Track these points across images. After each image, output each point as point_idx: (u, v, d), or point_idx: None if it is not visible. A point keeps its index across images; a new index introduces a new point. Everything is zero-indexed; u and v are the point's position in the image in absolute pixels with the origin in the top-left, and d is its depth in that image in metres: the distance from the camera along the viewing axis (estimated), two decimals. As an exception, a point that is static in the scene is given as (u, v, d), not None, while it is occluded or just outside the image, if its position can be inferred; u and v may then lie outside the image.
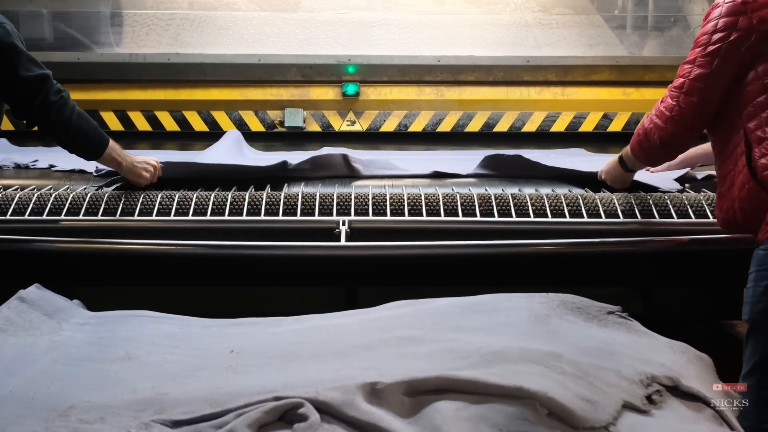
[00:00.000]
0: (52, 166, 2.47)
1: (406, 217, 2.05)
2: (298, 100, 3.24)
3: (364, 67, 3.20)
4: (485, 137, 3.31)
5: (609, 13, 3.64)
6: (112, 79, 3.21)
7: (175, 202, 2.06)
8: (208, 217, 2.02)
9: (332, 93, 3.24)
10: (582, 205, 2.08)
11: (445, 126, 3.30)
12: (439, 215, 2.08)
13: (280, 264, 2.03)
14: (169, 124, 3.27)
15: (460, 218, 2.06)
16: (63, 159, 2.49)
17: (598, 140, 3.29)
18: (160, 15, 3.40)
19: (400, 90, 3.26)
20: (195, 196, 2.08)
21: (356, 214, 2.07)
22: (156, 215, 2.03)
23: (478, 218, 2.06)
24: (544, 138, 3.32)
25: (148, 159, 2.19)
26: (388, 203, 2.09)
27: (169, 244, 1.88)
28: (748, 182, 1.70)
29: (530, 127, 3.32)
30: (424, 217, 2.05)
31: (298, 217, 2.04)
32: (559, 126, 3.33)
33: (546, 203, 2.09)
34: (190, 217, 2.02)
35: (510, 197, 2.11)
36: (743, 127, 1.74)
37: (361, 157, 2.44)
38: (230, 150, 2.68)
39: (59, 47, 3.23)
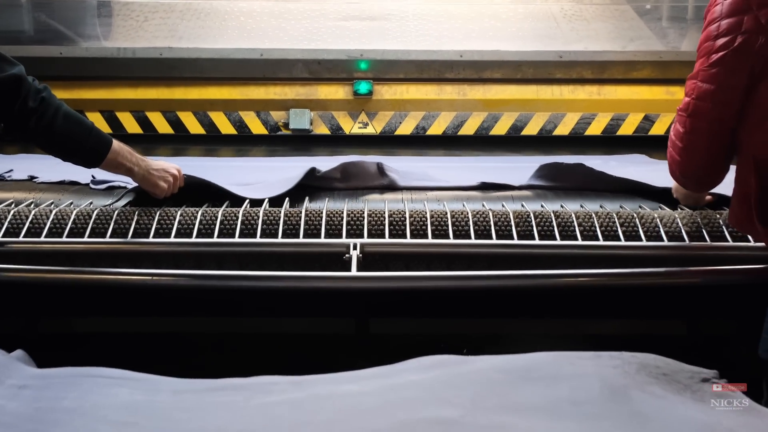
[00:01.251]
0: (32, 177, 2.14)
1: (429, 240, 1.72)
2: (304, 99, 2.93)
3: (377, 63, 2.90)
4: (512, 141, 2.99)
5: (649, 3, 3.29)
6: (99, 76, 2.93)
7: (155, 221, 1.73)
8: (192, 240, 1.69)
9: (342, 92, 2.93)
10: (660, 225, 1.74)
11: (468, 129, 2.98)
12: (468, 237, 1.73)
13: (278, 295, 1.70)
14: (162, 126, 2.97)
15: (494, 242, 1.72)
16: (48, 169, 2.17)
17: (639, 145, 2.96)
18: (151, 5, 3.09)
19: (418, 89, 2.95)
20: (178, 213, 1.76)
21: (370, 235, 1.73)
22: (132, 236, 1.70)
23: (515, 242, 1.72)
24: (578, 142, 3.00)
25: (167, 166, 1.84)
26: (407, 222, 1.76)
27: (143, 274, 1.56)
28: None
29: (563, 129, 2.99)
30: (450, 240, 1.72)
31: (301, 240, 1.71)
32: (594, 129, 3.00)
33: (617, 222, 1.75)
34: (171, 240, 1.69)
35: (573, 215, 1.79)
36: (753, 155, 1.46)
37: (396, 166, 2.12)
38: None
39: (40, 40, 2.93)
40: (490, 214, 1.78)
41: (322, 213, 1.77)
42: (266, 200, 1.86)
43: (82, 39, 2.97)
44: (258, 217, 1.75)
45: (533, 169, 2.12)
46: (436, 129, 2.98)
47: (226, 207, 1.81)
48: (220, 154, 2.93)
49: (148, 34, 2.95)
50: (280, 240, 1.71)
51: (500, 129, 2.98)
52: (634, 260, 1.73)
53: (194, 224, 1.73)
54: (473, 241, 1.72)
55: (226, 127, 2.96)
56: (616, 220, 1.77)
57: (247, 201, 1.85)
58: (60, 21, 2.95)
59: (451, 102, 2.96)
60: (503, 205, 1.87)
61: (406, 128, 2.97)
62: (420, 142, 2.98)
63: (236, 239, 1.70)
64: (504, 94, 2.96)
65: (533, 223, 1.77)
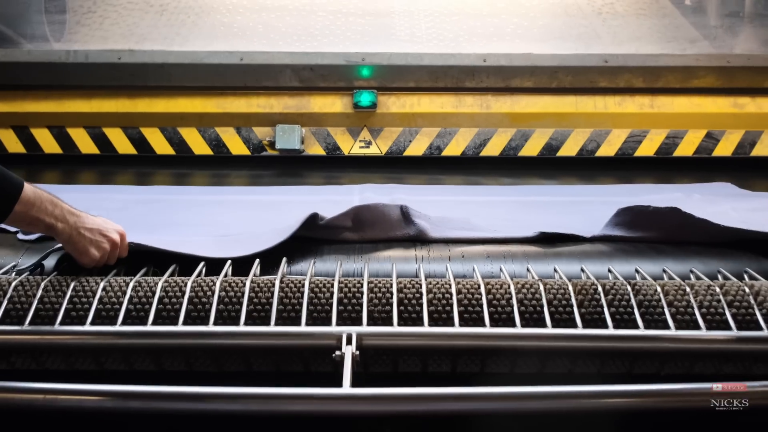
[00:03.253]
0: None
1: (456, 329, 1.20)
2: (294, 113, 2.47)
3: (382, 69, 2.43)
4: (546, 164, 2.49)
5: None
6: (46, 84, 2.47)
7: (66, 299, 1.21)
8: (115, 329, 1.17)
9: (340, 104, 2.45)
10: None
11: (492, 149, 2.49)
12: (511, 321, 1.22)
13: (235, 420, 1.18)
14: (122, 145, 2.49)
15: (549, 331, 1.20)
16: None
17: (700, 168, 2.47)
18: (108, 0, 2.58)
19: (432, 100, 2.47)
20: (100, 287, 1.24)
21: (372, 319, 1.22)
22: (31, 322, 1.18)
23: (579, 331, 1.20)
24: (626, 165, 2.50)
25: (106, 228, 1.32)
26: (425, 300, 1.24)
27: (26, 390, 1.04)
28: None
29: (607, 150, 2.49)
30: (486, 330, 1.20)
31: (271, 328, 1.19)
32: (646, 149, 2.50)
33: (723, 300, 1.24)
34: (86, 328, 1.17)
35: (659, 289, 1.29)
36: None
37: (424, 206, 1.64)
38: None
39: (-28, 42, 2.44)
40: (541, 287, 1.26)
41: (302, 286, 1.25)
42: (228, 264, 1.34)
43: (26, 40, 2.46)
44: (212, 293, 1.23)
45: (606, 205, 1.65)
46: (454, 149, 2.48)
47: (170, 276, 1.29)
48: (193, 179, 2.44)
49: (104, 34, 2.43)
50: (241, 329, 1.19)
51: (531, 149, 2.48)
52: (749, 356, 1.21)
53: (121, 304, 1.22)
54: (519, 330, 1.20)
55: (199, 147, 2.48)
56: (721, 297, 1.24)
57: (202, 265, 1.33)
58: (-2, 18, 2.46)
59: (472, 116, 2.48)
60: (556, 270, 1.35)
61: (417, 148, 2.48)
62: (434, 165, 2.50)
63: (179, 327, 1.19)
64: (536, 106, 2.47)
65: (603, 301, 1.24)
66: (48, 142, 2.47)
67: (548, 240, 1.54)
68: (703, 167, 2.46)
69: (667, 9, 2.81)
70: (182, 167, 2.49)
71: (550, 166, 2.48)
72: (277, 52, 2.42)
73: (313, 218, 1.49)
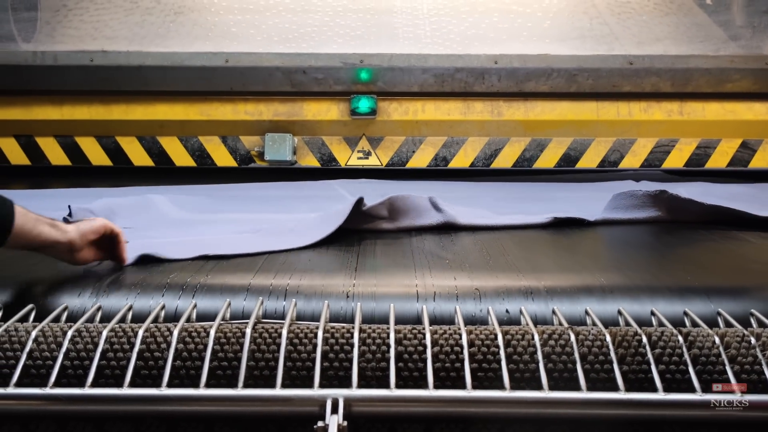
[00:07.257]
0: None
1: (468, 393, 0.96)
2: (285, 120, 2.29)
3: (383, 71, 2.25)
4: (563, 176, 2.25)
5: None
6: (11, 89, 2.30)
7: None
8: (43, 391, 0.94)
9: (336, 110, 2.25)
10: None
11: (504, 159, 2.28)
12: (537, 382, 0.98)
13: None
14: (96, 155, 2.30)
15: (583, 395, 0.96)
16: None
17: (735, 181, 2.22)
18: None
19: (438, 106, 2.27)
20: (32, 336, 1.01)
21: (363, 378, 0.99)
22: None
23: (622, 396, 0.96)
24: (653, 177, 2.26)
25: (89, 223, 1.12)
26: (429, 353, 1.00)
27: None
28: None
29: (632, 161, 2.28)
30: (505, 393, 0.96)
31: (238, 391, 0.95)
32: (675, 160, 2.28)
33: None
34: (8, 390, 0.94)
35: (716, 338, 1.04)
36: None
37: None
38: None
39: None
40: (572, 337, 1.02)
41: (279, 336, 1.02)
42: (192, 307, 1.10)
43: (-10, 40, 2.25)
44: (168, 345, 1.00)
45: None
46: (462, 160, 2.27)
47: (119, 322, 1.06)
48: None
49: (76, 33, 2.21)
50: (202, 392, 0.95)
51: (548, 160, 2.27)
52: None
53: (55, 359, 0.99)
54: (546, 394, 0.96)
55: (181, 157, 2.29)
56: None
57: (160, 307, 1.10)
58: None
59: (482, 124, 2.29)
60: (588, 313, 1.11)
61: (421, 159, 2.26)
62: (440, 178, 2.26)
63: (125, 390, 0.95)
64: (553, 113, 2.27)
65: (650, 356, 1.00)
66: (14, 153, 2.28)
67: (563, 223, 1.61)
68: (737, 180, 2.23)
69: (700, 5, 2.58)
70: (162, 180, 2.27)
71: (567, 179, 2.26)
72: (266, 53, 2.22)
73: (359, 205, 1.51)
